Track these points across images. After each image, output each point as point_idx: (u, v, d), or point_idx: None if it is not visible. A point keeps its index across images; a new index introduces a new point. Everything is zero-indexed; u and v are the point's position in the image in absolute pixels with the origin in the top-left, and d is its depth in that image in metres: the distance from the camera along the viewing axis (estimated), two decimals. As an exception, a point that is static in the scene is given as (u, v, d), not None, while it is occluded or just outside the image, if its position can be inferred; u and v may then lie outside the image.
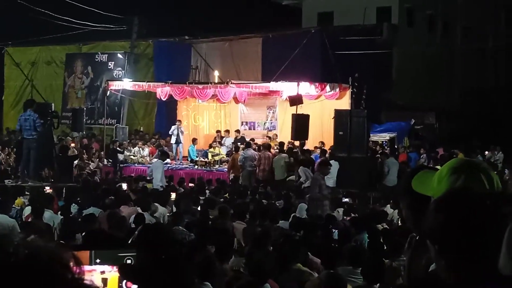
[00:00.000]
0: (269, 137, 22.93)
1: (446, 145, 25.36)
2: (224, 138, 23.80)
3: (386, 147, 23.11)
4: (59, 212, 10.72)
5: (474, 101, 31.55)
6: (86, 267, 2.61)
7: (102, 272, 2.67)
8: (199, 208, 11.62)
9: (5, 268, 1.16)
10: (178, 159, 23.47)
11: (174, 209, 11.84)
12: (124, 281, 2.74)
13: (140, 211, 10.76)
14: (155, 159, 20.07)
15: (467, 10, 34.24)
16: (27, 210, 10.82)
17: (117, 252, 2.77)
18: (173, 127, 24.00)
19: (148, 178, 17.86)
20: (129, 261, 2.73)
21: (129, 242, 3.34)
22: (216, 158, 22.79)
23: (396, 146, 24.14)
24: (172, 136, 23.88)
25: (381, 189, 17.62)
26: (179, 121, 24.38)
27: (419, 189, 2.35)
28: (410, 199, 2.64)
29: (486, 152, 24.34)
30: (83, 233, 6.90)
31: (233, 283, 5.34)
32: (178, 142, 23.82)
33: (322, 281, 5.13)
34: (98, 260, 2.67)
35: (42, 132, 15.62)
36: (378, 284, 5.97)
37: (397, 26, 30.87)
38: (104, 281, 2.67)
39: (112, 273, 2.67)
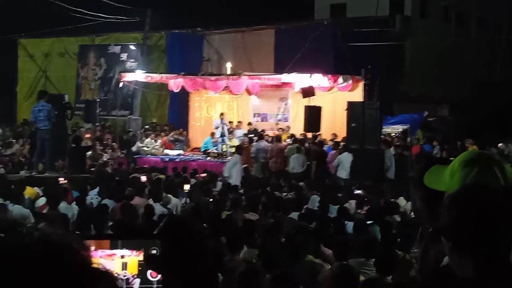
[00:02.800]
0: (282, 129, 22.86)
1: (459, 137, 25.24)
2: (234, 130, 23.68)
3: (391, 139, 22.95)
4: (73, 203, 10.77)
5: (487, 93, 31.35)
6: (107, 251, 2.68)
7: (122, 257, 2.73)
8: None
9: (19, 248, 1.19)
10: (225, 155, 22.35)
11: (188, 200, 11.88)
12: (149, 271, 2.79)
13: (151, 202, 10.82)
14: (234, 156, 18.59)
15: (481, 1, 33.98)
16: (41, 200, 10.90)
17: (143, 242, 2.83)
18: (217, 121, 23.38)
19: (225, 175, 16.87)
20: (154, 251, 2.78)
21: (155, 233, 3.39)
22: (231, 149, 22.79)
23: (409, 138, 24.05)
24: (217, 131, 23.17)
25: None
26: (222, 114, 23.72)
27: (432, 184, 2.33)
28: (424, 191, 2.63)
29: (500, 144, 24.18)
30: (111, 224, 6.94)
31: (246, 275, 5.36)
32: (223, 135, 23.01)
33: (335, 273, 5.15)
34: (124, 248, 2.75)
35: (56, 123, 15.71)
36: (390, 276, 5.98)
37: (410, 17, 30.71)
38: (124, 265, 2.73)
39: (132, 257, 2.73)
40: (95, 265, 1.25)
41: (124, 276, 2.72)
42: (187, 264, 2.98)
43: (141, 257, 2.73)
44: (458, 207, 1.82)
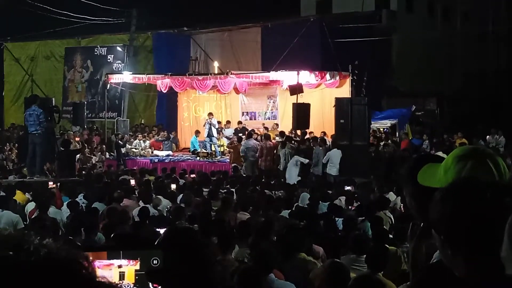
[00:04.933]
0: (266, 128, 22.67)
1: (448, 130, 25.36)
2: (223, 129, 23.64)
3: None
4: (62, 208, 10.70)
5: (475, 86, 31.50)
6: (104, 262, 2.69)
7: (120, 266, 2.73)
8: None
9: (28, 267, 1.18)
10: (214, 155, 22.59)
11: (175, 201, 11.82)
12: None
13: (141, 204, 10.78)
14: (294, 157, 18.45)
15: (466, -6, 34.14)
16: (30, 205, 10.83)
17: (143, 252, 2.84)
18: (205, 121, 23.41)
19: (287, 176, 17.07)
20: (155, 261, 2.78)
21: (156, 243, 3.36)
22: (220, 149, 22.79)
23: (397, 133, 24.13)
24: (204, 130, 23.23)
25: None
26: (211, 113, 23.76)
27: (426, 182, 2.31)
28: (413, 187, 2.62)
29: (487, 137, 24.29)
30: (112, 235, 6.90)
31: (238, 274, 5.33)
32: (210, 135, 23.05)
33: (326, 270, 5.14)
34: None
35: (44, 127, 15.66)
36: (382, 272, 5.97)
37: (396, 12, 30.77)
38: (122, 274, 2.74)
39: (129, 266, 2.74)
40: (100, 279, 1.25)
41: (127, 286, 2.73)
42: (190, 275, 2.95)
43: (137, 266, 2.74)
44: (450, 200, 1.81)
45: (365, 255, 6.29)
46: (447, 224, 1.80)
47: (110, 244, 6.27)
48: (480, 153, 2.28)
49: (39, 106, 15.53)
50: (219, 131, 23.43)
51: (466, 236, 1.77)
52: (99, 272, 2.39)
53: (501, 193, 1.81)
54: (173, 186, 13.37)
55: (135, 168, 19.66)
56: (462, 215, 1.78)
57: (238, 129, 22.93)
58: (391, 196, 12.60)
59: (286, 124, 22.06)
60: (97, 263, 2.63)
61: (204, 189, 12.94)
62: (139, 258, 2.75)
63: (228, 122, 24.03)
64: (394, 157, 19.20)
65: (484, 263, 1.76)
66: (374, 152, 19.15)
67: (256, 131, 21.93)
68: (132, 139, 23.80)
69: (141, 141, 23.55)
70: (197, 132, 23.78)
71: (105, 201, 10.87)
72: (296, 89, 19.96)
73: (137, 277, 2.75)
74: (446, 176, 2.23)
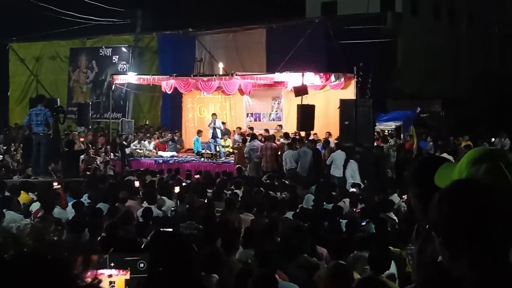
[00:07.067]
0: (267, 130, 22.58)
1: (453, 132, 25.30)
2: (231, 134, 23.46)
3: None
4: (67, 208, 10.71)
5: (480, 88, 31.45)
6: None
7: (110, 276, 2.76)
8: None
9: (22, 271, 1.18)
10: (219, 156, 22.44)
11: (178, 202, 11.81)
12: None
13: (146, 204, 10.78)
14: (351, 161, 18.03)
15: (471, -3, 34.10)
16: (35, 205, 10.84)
17: (129, 256, 2.86)
18: (211, 121, 23.38)
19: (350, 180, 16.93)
20: (141, 265, 2.79)
21: (142, 247, 3.38)
22: (225, 150, 22.76)
23: (402, 135, 24.08)
24: (209, 131, 23.18)
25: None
26: (214, 114, 23.74)
27: (442, 184, 2.29)
28: (418, 189, 2.61)
29: (493, 139, 24.23)
30: (100, 238, 6.89)
31: (242, 275, 5.33)
32: (214, 137, 23.06)
33: (330, 272, 5.13)
34: (112, 264, 2.78)
35: (50, 127, 15.67)
36: (385, 273, 5.96)
37: (401, 14, 30.75)
38: (112, 284, 2.77)
39: (119, 276, 2.76)
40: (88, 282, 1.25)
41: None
42: (176, 278, 2.95)
43: (127, 276, 2.76)
44: (449, 202, 1.81)
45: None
46: (445, 224, 1.80)
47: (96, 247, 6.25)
48: (494, 156, 2.26)
49: (46, 106, 15.54)
50: (224, 132, 23.38)
51: (462, 237, 1.77)
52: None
53: (499, 195, 1.81)
54: (176, 189, 13.34)
55: (141, 169, 19.64)
56: (459, 216, 1.77)
57: (245, 134, 22.67)
58: (395, 198, 12.59)
59: (290, 125, 22.04)
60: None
61: (208, 190, 12.94)
62: (129, 268, 2.78)
63: (239, 128, 23.88)
64: (399, 159, 19.17)
65: (483, 264, 1.75)
66: (379, 153, 19.08)
67: (260, 133, 21.91)
68: (136, 140, 23.78)
69: (146, 142, 23.56)
70: (199, 132, 23.75)
71: (109, 202, 10.87)
72: (301, 91, 19.94)
73: (127, 287, 2.78)
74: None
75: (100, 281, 1.27)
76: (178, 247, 3.06)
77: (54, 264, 1.20)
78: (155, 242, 3.21)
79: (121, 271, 2.77)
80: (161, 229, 6.63)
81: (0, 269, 1.17)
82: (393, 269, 6.42)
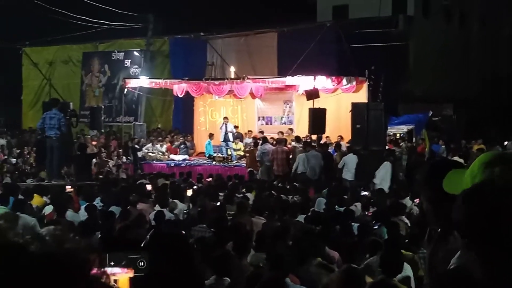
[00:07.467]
0: (282, 132, 22.57)
1: (464, 135, 25.19)
2: (243, 138, 23.48)
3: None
4: (80, 211, 10.76)
5: (492, 91, 31.30)
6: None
7: (113, 274, 2.77)
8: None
9: (31, 260, 1.20)
10: (230, 159, 22.47)
11: (190, 206, 11.85)
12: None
13: (158, 208, 10.81)
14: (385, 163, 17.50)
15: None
16: (48, 208, 10.89)
17: (129, 254, 2.86)
18: (222, 124, 23.46)
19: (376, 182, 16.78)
20: (141, 263, 2.80)
21: (141, 245, 3.41)
22: (237, 153, 22.78)
23: (414, 138, 24.02)
24: (220, 134, 23.24)
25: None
26: (226, 117, 23.81)
27: (451, 190, 2.28)
28: (431, 192, 2.62)
29: (506, 142, 24.10)
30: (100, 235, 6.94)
31: (254, 279, 5.34)
32: (226, 140, 23.11)
33: (342, 275, 5.13)
34: (112, 263, 2.79)
35: (63, 130, 15.75)
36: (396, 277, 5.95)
37: (413, 17, 30.68)
38: (115, 282, 2.78)
39: (122, 274, 2.77)
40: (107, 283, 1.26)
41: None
42: (175, 278, 2.96)
43: (131, 274, 2.78)
44: (472, 203, 1.83)
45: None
46: (469, 226, 1.82)
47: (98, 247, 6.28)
48: (507, 159, 2.26)
49: (60, 110, 15.63)
50: (236, 136, 23.36)
51: (486, 238, 1.78)
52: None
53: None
54: (189, 192, 13.38)
55: (153, 172, 19.69)
56: (482, 217, 1.79)
57: (257, 138, 22.64)
58: (407, 201, 12.55)
59: (302, 129, 22.01)
60: None
61: (220, 194, 12.96)
62: (132, 266, 2.79)
63: (250, 131, 23.88)
64: (410, 162, 19.11)
65: (495, 264, 1.76)
66: (392, 157, 19.02)
67: (272, 136, 21.88)
68: (149, 143, 23.83)
69: (158, 145, 23.62)
70: (211, 135, 23.77)
71: (122, 205, 10.91)
72: (312, 94, 19.93)
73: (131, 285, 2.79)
74: (473, 183, 2.21)
75: (110, 279, 1.30)
76: (176, 246, 3.09)
77: (76, 265, 1.22)
78: (153, 242, 3.24)
79: (124, 269, 2.78)
80: (159, 230, 6.66)
81: (27, 260, 1.19)
82: (408, 272, 6.42)
